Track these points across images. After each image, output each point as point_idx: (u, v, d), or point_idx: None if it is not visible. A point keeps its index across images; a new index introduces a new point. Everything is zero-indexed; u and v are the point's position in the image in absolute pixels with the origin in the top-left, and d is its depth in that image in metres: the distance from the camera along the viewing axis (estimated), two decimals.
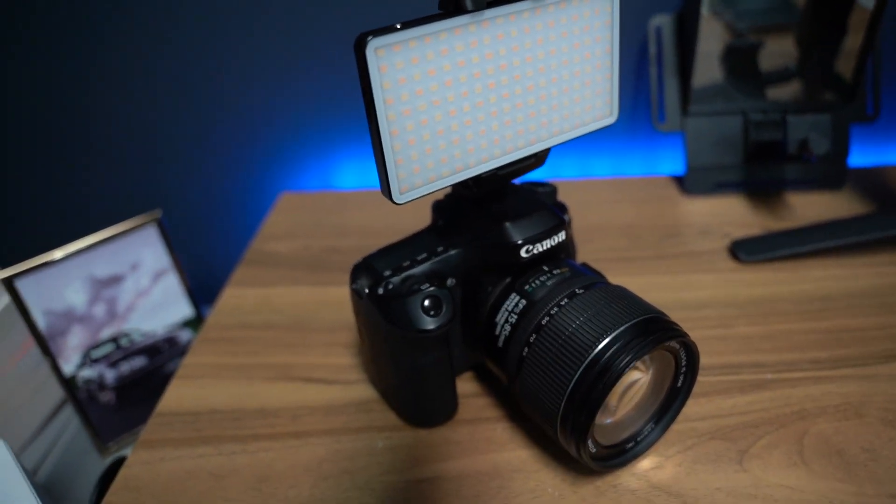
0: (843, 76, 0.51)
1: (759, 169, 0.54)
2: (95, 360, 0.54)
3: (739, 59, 0.52)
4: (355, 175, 0.70)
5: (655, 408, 0.33)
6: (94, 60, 0.62)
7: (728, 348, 0.39)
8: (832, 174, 0.54)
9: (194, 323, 0.59)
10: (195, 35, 0.61)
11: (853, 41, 0.49)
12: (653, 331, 0.29)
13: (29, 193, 0.71)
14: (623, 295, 0.31)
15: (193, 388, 0.41)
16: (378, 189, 0.29)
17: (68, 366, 0.53)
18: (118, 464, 0.43)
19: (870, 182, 0.55)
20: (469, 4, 0.27)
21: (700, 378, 0.33)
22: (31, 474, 0.38)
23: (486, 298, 0.34)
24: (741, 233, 0.50)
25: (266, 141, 0.66)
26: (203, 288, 0.63)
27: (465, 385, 0.38)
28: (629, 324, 0.29)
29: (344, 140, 0.68)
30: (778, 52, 0.52)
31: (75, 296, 0.53)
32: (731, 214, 0.52)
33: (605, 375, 0.28)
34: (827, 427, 0.34)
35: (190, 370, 0.42)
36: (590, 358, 0.29)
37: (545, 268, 0.34)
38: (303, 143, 0.67)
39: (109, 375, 0.55)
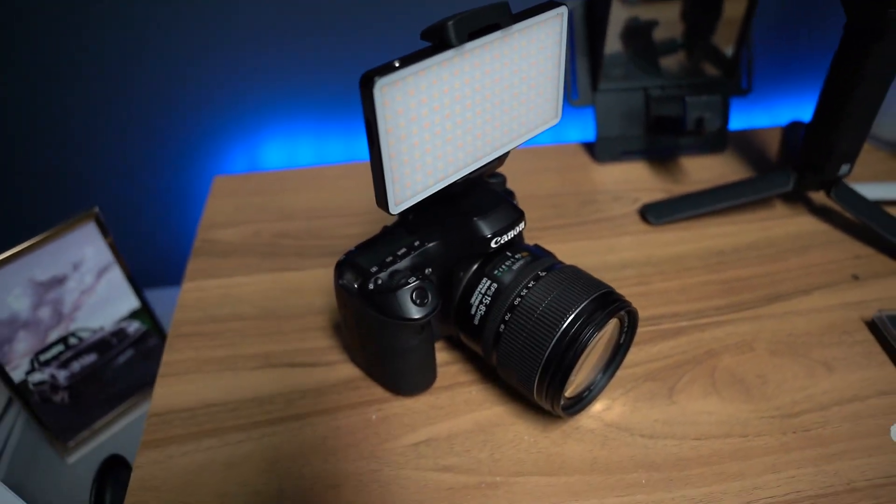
0: (725, 54, 0.60)
1: (659, 137, 0.62)
2: (45, 363, 0.54)
3: (639, 39, 0.59)
4: (281, 154, 0.71)
5: (604, 361, 0.40)
6: (17, 61, 0.58)
7: (649, 302, 0.47)
8: (717, 141, 0.63)
9: (141, 313, 0.59)
10: (112, 33, 0.58)
11: (732, 27, 0.58)
12: (607, 304, 0.36)
13: None
14: (578, 275, 0.38)
15: (181, 385, 0.43)
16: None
17: (17, 372, 0.52)
18: (111, 461, 0.44)
19: (743, 143, 0.65)
20: (454, 40, 0.30)
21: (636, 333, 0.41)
22: None
23: (458, 282, 0.39)
24: (647, 196, 0.58)
25: (193, 126, 0.65)
26: (146, 277, 0.63)
27: (440, 355, 0.44)
28: (588, 300, 0.36)
29: (268, 120, 0.68)
30: (669, 30, 0.59)
31: (17, 302, 0.51)
32: (638, 179, 0.61)
33: (574, 346, 0.34)
34: (730, 361, 0.43)
35: (172, 368, 0.44)
36: (559, 332, 0.35)
37: (508, 254, 0.39)
38: (228, 126, 0.67)
39: (61, 376, 0.55)
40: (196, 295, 0.50)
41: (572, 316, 0.35)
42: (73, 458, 0.56)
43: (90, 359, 0.56)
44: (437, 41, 0.31)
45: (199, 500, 0.36)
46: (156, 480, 0.37)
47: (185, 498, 0.36)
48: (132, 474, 0.38)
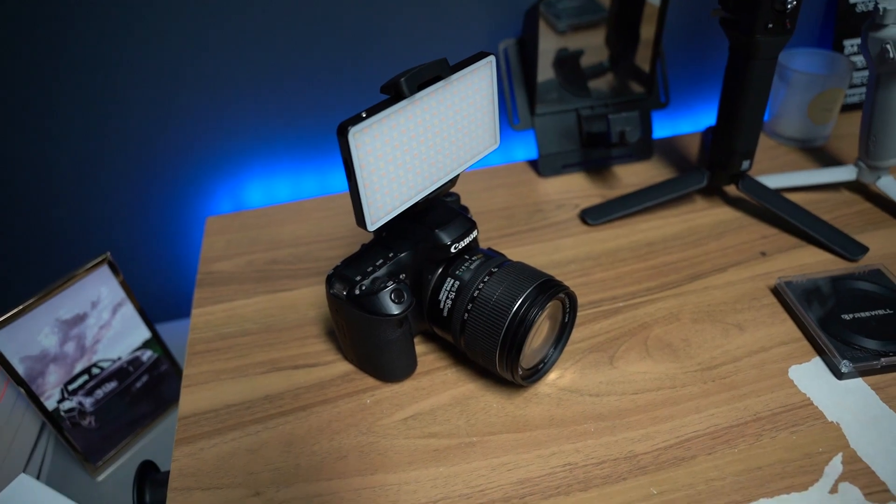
0: (644, 73, 0.70)
1: (592, 151, 0.71)
2: (73, 392, 0.60)
3: (567, 67, 0.69)
4: (262, 192, 0.79)
5: (553, 338, 0.48)
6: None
7: (591, 290, 0.56)
8: (643, 149, 0.73)
9: (152, 343, 0.67)
10: (109, 100, 0.66)
11: (647, 48, 0.68)
12: (548, 289, 0.44)
13: None
14: (524, 268, 0.46)
15: (202, 392, 0.50)
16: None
17: (50, 402, 0.59)
18: (145, 465, 0.52)
19: (668, 149, 0.75)
20: (406, 92, 0.39)
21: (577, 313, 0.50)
22: None
23: (428, 283, 0.48)
24: (586, 202, 0.67)
25: (183, 174, 0.73)
26: (155, 310, 0.70)
27: (418, 347, 0.52)
28: (532, 287, 0.44)
29: (249, 163, 0.77)
30: (594, 56, 0.69)
31: (47, 339, 0.58)
32: (577, 188, 0.70)
33: (523, 324, 0.43)
34: (660, 331, 0.52)
35: (192, 379, 0.51)
36: (511, 314, 0.43)
37: (466, 256, 0.48)
38: (214, 171, 0.75)
39: (87, 402, 0.62)
40: (205, 318, 0.57)
41: (520, 300, 0.44)
42: (101, 477, 0.63)
43: (111, 386, 0.63)
44: (393, 93, 0.40)
45: (232, 479, 0.43)
46: (192, 469, 0.44)
47: (220, 478, 0.43)
48: (171, 466, 0.45)
